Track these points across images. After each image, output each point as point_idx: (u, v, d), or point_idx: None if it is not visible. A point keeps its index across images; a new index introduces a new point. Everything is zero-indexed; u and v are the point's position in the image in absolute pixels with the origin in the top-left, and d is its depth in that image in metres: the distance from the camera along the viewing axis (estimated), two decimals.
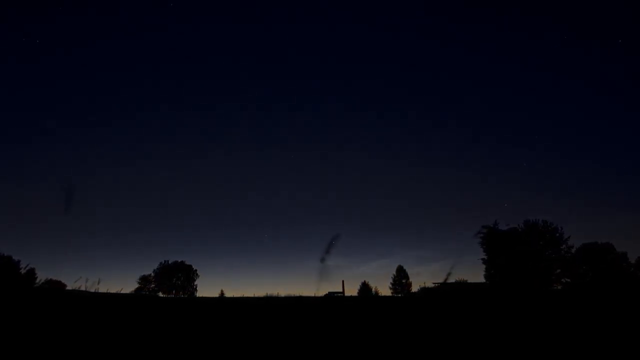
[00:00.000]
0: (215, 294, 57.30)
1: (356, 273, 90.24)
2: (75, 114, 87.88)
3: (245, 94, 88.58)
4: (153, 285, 55.00)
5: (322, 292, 40.80)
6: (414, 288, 50.48)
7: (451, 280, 35.39)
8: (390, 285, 52.90)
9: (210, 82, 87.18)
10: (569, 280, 38.40)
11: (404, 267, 53.59)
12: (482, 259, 40.26)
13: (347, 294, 46.32)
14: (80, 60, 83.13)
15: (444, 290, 31.18)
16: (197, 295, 53.62)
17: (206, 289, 64.69)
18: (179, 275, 55.52)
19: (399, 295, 49.49)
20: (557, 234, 38.08)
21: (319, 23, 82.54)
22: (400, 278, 52.80)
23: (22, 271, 37.59)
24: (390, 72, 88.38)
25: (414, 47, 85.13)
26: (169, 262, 56.12)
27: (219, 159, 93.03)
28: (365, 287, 52.28)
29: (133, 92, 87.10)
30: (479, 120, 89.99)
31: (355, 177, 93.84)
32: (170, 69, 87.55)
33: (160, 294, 52.62)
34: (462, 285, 38.06)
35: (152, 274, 55.55)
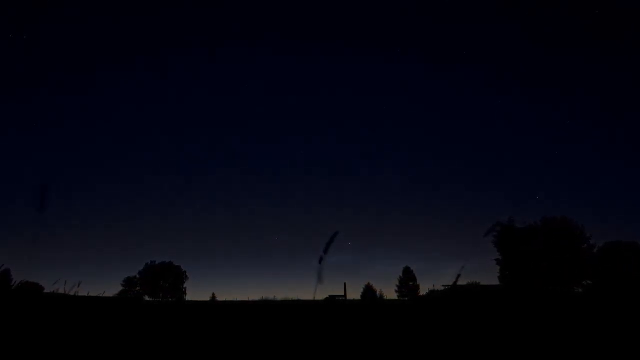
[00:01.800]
0: (206, 297, 57.67)
1: (360, 275, 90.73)
2: (54, 111, 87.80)
3: (238, 90, 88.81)
4: (138, 288, 55.21)
5: (322, 296, 41.00)
6: (422, 291, 50.71)
7: (462, 282, 35.51)
8: (397, 288, 53.16)
9: (202, 77, 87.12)
10: (590, 282, 38.55)
11: (411, 269, 53.81)
12: (496, 260, 40.44)
13: (349, 297, 46.54)
14: (64, 59, 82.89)
15: (454, 294, 31.31)
16: (187, 299, 53.91)
17: (196, 292, 65.15)
18: (166, 278, 55.70)
19: (406, 298, 49.75)
20: (578, 233, 38.16)
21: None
22: (407, 280, 53.02)
23: None
24: (398, 63, 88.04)
25: (426, 41, 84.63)
26: (156, 263, 56.28)
27: (208, 155, 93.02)
28: (369, 290, 52.54)
29: (117, 87, 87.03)
30: (496, 113, 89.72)
31: (357, 170, 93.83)
32: (159, 66, 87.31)
33: (147, 298, 52.86)
34: (474, 288, 38.17)
35: (137, 276, 55.75)
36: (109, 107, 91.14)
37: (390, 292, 53.26)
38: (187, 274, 57.27)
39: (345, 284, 47.42)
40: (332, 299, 39.89)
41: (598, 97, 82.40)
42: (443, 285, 40.42)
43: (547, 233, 38.17)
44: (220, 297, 56.22)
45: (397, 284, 53.19)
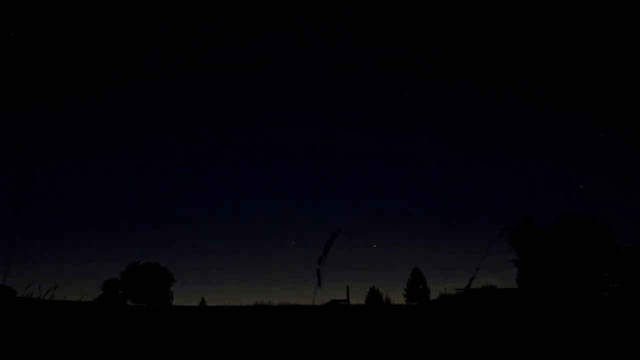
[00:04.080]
0: (195, 302, 57.98)
1: (364, 278, 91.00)
2: (31, 100, 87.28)
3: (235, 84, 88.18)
4: (120, 292, 55.48)
5: (322, 301, 41.26)
6: (433, 295, 50.91)
7: (477, 285, 35.66)
8: (404, 292, 53.39)
9: (199, 72, 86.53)
10: (617, 285, 38.66)
11: (421, 270, 54.01)
12: (514, 261, 40.55)
13: (352, 302, 46.79)
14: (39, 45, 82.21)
15: (468, 298, 31.46)
16: (174, 304, 54.18)
17: (184, 296, 65.44)
18: (151, 280, 55.91)
19: (414, 303, 49.98)
20: (603, 231, 38.19)
21: None
22: (417, 283, 53.23)
23: None
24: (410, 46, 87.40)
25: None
26: (140, 264, 56.47)
27: (199, 151, 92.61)
28: (374, 294, 52.77)
29: (104, 83, 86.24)
30: (511, 104, 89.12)
31: (363, 165, 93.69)
32: (144, 57, 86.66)
33: (129, 302, 53.12)
34: (490, 291, 38.36)
35: (119, 278, 55.98)
36: (94, 101, 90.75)
37: (397, 296, 53.55)
38: (174, 276, 57.52)
39: (347, 287, 47.63)
40: (333, 303, 40.10)
41: (632, 89, 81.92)
42: (456, 289, 40.62)
43: (568, 231, 38.20)
44: (211, 302, 56.52)
45: (405, 287, 53.41)
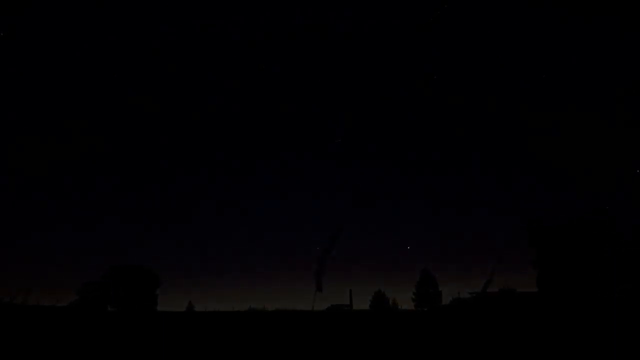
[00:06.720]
0: (181, 307, 58.09)
1: (368, 280, 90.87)
2: (12, 88, 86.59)
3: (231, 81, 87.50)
4: (100, 295, 55.62)
5: (322, 306, 41.30)
6: (445, 299, 50.89)
7: (494, 288, 35.59)
8: (413, 296, 53.46)
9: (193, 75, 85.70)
10: (630, 286, 38.63)
11: (431, 272, 54.03)
12: (532, 262, 40.47)
13: (356, 307, 46.90)
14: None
15: (483, 303, 31.43)
16: (158, 309, 54.35)
17: (170, 300, 65.54)
18: (134, 283, 56.06)
19: (424, 309, 49.98)
20: (622, 231, 38.11)
21: None
22: (427, 286, 53.22)
23: None
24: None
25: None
26: (122, 266, 56.58)
27: (187, 145, 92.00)
28: (379, 298, 52.85)
29: (86, 62, 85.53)
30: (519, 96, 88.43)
31: (364, 155, 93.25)
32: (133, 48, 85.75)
33: (110, 307, 53.31)
34: (508, 294, 38.39)
35: (99, 281, 56.14)
36: (82, 88, 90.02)
37: (405, 301, 53.47)
38: (159, 278, 57.66)
39: (350, 290, 47.71)
40: (334, 309, 40.20)
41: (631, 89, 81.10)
42: (469, 292, 40.59)
43: (591, 230, 38.17)
44: (199, 307, 56.64)
45: (414, 290, 53.40)
